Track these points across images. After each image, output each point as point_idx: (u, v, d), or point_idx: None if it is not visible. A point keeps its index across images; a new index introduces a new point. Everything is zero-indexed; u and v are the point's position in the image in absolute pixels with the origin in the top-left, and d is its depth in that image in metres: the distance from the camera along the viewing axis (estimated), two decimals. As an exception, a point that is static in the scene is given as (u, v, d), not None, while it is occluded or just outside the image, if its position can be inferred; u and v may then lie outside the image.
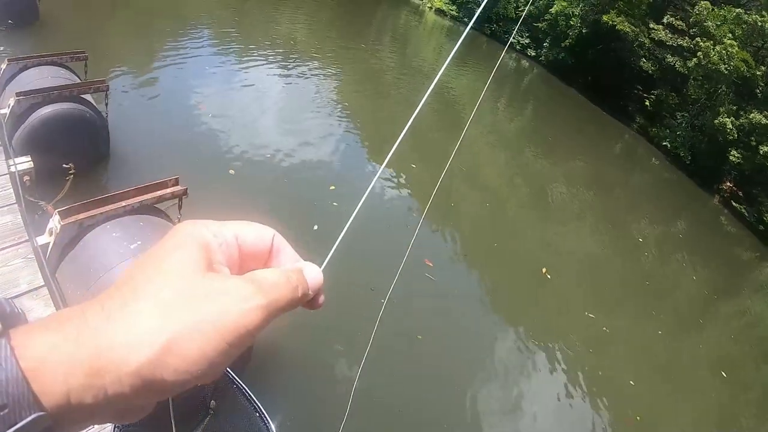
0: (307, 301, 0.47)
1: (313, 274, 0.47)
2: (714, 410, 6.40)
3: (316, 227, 5.58)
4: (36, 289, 2.98)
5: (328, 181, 6.82)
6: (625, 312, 7.34)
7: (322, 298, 0.49)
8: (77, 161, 4.68)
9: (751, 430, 6.36)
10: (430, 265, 5.91)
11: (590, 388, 5.54)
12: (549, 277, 6.99)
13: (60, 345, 0.34)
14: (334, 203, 6.39)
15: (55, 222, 3.34)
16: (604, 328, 6.58)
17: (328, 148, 7.92)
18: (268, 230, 0.48)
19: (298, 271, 0.46)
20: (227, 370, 2.87)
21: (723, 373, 6.97)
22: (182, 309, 0.37)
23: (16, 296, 2.89)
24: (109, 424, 2.79)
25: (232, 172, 6.27)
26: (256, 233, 0.47)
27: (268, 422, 2.87)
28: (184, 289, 0.38)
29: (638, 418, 5.44)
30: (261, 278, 0.42)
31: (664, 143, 14.48)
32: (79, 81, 5.13)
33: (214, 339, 0.37)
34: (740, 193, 13.44)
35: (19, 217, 3.40)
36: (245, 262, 0.46)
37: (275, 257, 0.48)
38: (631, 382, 5.83)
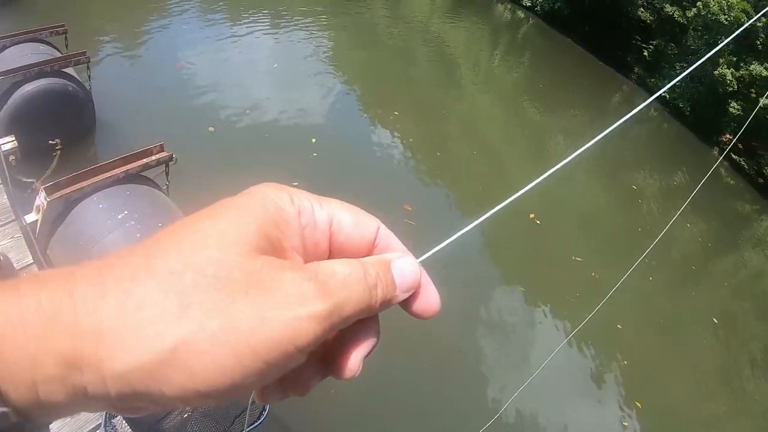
0: (405, 303, 0.36)
1: (405, 269, 0.35)
2: (703, 355, 6.53)
3: (295, 183, 5.63)
4: (25, 267, 3.03)
5: (309, 135, 6.84)
6: (616, 258, 7.35)
7: (431, 302, 0.37)
8: (63, 136, 4.71)
9: (740, 374, 6.51)
10: (410, 209, 5.94)
11: (576, 333, 5.65)
12: (538, 222, 7.02)
13: (31, 319, 0.25)
14: (314, 153, 6.47)
15: (41, 198, 3.39)
16: (593, 274, 6.63)
17: (313, 102, 7.86)
18: (371, 219, 0.37)
19: (382, 263, 0.34)
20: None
21: (714, 320, 7.06)
22: (206, 302, 0.27)
23: (5, 275, 2.96)
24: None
25: (211, 129, 6.27)
26: (354, 219, 0.36)
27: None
28: (218, 273, 0.28)
29: (625, 362, 5.57)
30: (328, 273, 0.31)
31: (663, 94, 14.29)
32: (59, 55, 5.10)
33: (241, 353, 0.27)
34: (740, 146, 13.32)
35: (5, 197, 3.45)
36: (336, 257, 0.35)
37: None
38: (619, 326, 5.90)
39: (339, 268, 0.32)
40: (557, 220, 7.41)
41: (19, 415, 0.26)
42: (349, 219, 0.36)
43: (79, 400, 0.26)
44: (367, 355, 0.35)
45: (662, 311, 6.56)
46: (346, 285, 0.31)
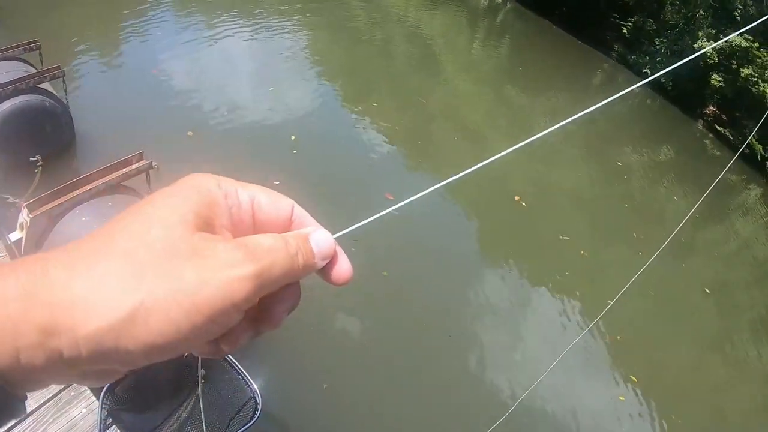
0: (323, 272, 0.43)
1: (321, 240, 0.42)
2: (697, 326, 6.60)
3: (277, 182, 5.62)
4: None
5: (288, 132, 6.79)
6: (605, 235, 7.45)
7: (344, 269, 0.44)
8: (44, 152, 4.69)
9: (734, 343, 6.59)
10: (391, 198, 5.92)
11: (569, 310, 5.71)
12: (524, 204, 7.05)
13: (12, 296, 0.31)
14: (294, 150, 6.47)
15: (24, 216, 3.39)
16: (582, 252, 6.69)
17: (290, 98, 7.79)
18: (286, 199, 0.44)
19: (300, 236, 0.41)
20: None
21: (706, 290, 7.13)
22: (157, 271, 0.33)
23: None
24: (96, 402, 2.94)
25: (190, 133, 6.22)
26: (272, 200, 0.43)
27: (251, 383, 3.00)
28: (165, 247, 0.33)
29: (618, 337, 5.62)
30: (254, 243, 0.37)
31: (645, 70, 14.35)
32: (34, 71, 5.06)
33: (189, 311, 0.32)
34: (724, 117, 13.41)
35: (-13, 217, 3.45)
36: (259, 233, 0.41)
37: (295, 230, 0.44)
38: (609, 301, 5.94)
39: (263, 239, 0.38)
40: (542, 201, 7.45)
41: (1, 378, 0.30)
42: (266, 199, 0.42)
43: (54, 364, 0.31)
44: (288, 313, 0.42)
45: (653, 284, 6.58)
46: (270, 252, 0.37)
